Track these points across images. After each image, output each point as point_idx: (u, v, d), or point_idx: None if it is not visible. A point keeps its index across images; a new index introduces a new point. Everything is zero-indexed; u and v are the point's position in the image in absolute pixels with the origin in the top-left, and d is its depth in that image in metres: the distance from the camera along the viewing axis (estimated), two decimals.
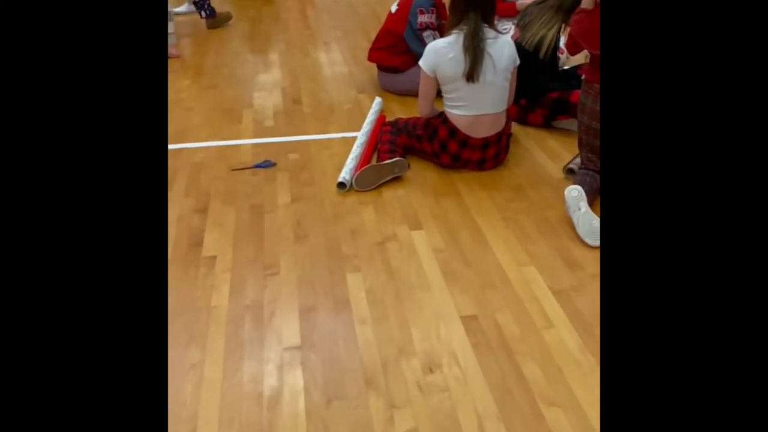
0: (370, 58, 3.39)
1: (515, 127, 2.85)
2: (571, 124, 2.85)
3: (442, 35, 3.12)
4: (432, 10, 3.05)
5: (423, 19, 3.04)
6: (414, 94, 3.19)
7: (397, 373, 1.56)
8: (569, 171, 2.47)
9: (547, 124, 2.91)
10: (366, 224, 2.19)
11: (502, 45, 2.33)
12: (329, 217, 2.24)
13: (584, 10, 2.01)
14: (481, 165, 2.52)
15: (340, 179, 2.40)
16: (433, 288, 1.86)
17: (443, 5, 3.14)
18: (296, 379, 1.56)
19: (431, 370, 1.57)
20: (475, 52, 2.27)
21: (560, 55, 3.05)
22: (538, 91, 2.81)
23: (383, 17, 4.88)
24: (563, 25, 2.77)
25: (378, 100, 3.12)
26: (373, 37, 4.22)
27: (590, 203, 2.14)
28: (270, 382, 1.55)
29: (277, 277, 1.92)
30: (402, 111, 3.13)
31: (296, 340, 1.68)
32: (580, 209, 2.07)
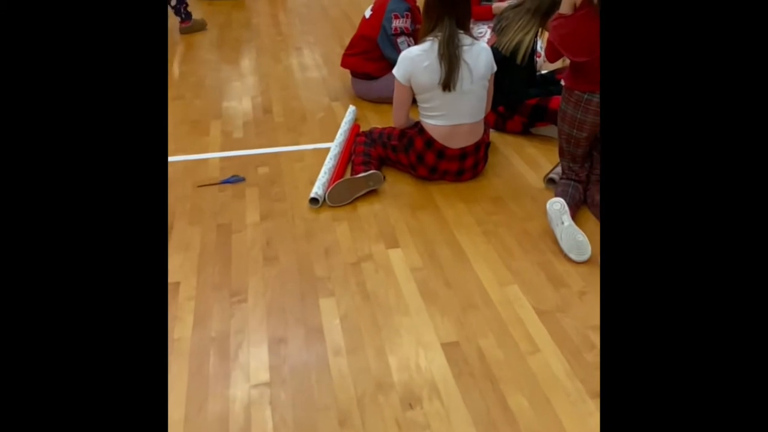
0: (344, 64, 3.27)
1: (493, 135, 2.76)
2: (551, 130, 2.78)
3: (417, 41, 3.04)
4: (407, 15, 2.95)
5: (397, 24, 2.94)
6: (389, 101, 3.09)
7: (374, 410, 1.45)
8: (550, 181, 2.39)
9: (525, 131, 2.83)
10: (340, 243, 2.08)
11: (478, 52, 2.24)
12: (301, 236, 2.12)
13: (562, 16, 1.93)
14: (459, 176, 2.42)
15: (312, 194, 2.28)
16: (411, 312, 1.76)
17: (418, 10, 3.04)
18: (265, 420, 1.44)
19: (411, 406, 1.46)
20: (450, 59, 2.17)
21: (537, 59, 2.98)
22: (516, 97, 2.73)
23: (356, 21, 4.77)
24: (540, 29, 2.70)
25: (352, 108, 3.01)
26: (347, 41, 4.11)
27: (573, 216, 2.06)
28: (236, 423, 1.43)
29: (245, 305, 1.80)
30: (377, 119, 3.03)
31: (265, 375, 1.56)
32: (563, 223, 1.98)
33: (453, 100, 2.25)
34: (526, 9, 2.64)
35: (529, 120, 2.76)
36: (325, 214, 2.24)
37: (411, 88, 2.30)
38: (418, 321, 1.72)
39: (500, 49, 2.65)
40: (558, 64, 2.98)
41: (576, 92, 2.05)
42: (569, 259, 1.95)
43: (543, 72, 3.06)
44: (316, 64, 3.85)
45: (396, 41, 2.96)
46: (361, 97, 3.27)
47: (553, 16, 1.98)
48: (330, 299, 1.82)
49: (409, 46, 2.98)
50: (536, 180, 2.45)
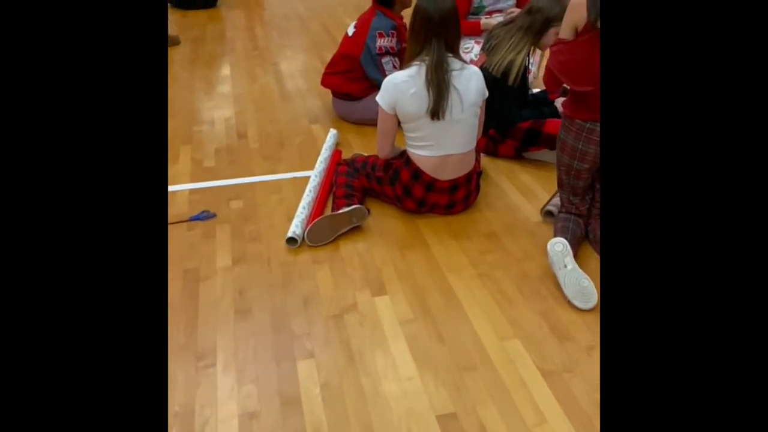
0: (324, 83, 3.08)
1: (484, 160, 2.59)
2: (544, 155, 2.61)
3: (402, 61, 2.85)
4: (392, 33, 2.76)
5: (382, 43, 2.75)
6: (372, 123, 2.89)
7: None
8: (547, 213, 2.21)
9: (518, 156, 2.65)
10: (321, 290, 1.87)
11: (469, 77, 2.06)
12: (277, 283, 1.91)
13: (563, 41, 1.75)
14: (449, 209, 2.24)
15: (290, 234, 2.08)
16: (401, 376, 1.56)
17: (405, 28, 2.85)
18: None
19: None
20: (439, 86, 1.99)
21: (528, 75, 2.81)
22: (508, 120, 2.56)
23: (337, 34, 4.60)
24: (533, 48, 2.53)
25: (333, 132, 2.82)
26: (327, 57, 3.90)
27: (575, 255, 1.88)
28: None
29: (213, 371, 1.59)
30: (359, 143, 2.83)
31: None
32: (566, 266, 1.80)
33: (442, 130, 2.06)
34: (517, 27, 2.47)
35: (522, 144, 2.59)
36: (305, 256, 2.04)
37: (396, 117, 2.11)
38: (409, 388, 1.53)
39: (490, 69, 2.47)
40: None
41: (577, 121, 1.87)
42: (574, 307, 1.77)
43: (535, 91, 2.89)
44: (294, 82, 3.64)
45: (380, 61, 2.77)
46: (342, 118, 3.07)
47: (553, 41, 1.80)
48: (309, 362, 1.61)
49: (394, 66, 2.80)
50: (532, 212, 2.28)
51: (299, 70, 3.82)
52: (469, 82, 2.06)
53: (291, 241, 2.08)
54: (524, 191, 2.42)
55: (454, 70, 2.02)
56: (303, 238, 2.08)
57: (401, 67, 2.80)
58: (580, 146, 1.90)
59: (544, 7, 2.41)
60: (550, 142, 2.53)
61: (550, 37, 2.46)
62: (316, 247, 2.08)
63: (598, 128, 1.84)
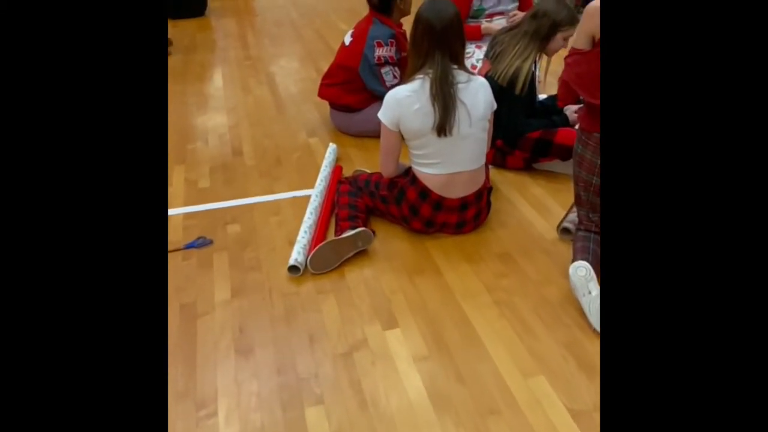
0: (321, 95, 2.95)
1: (493, 173, 2.47)
2: (555, 165, 2.50)
3: (402, 70, 2.73)
4: (391, 42, 2.64)
5: (381, 52, 2.62)
6: (373, 135, 2.79)
7: None
8: (564, 231, 2.09)
9: (527, 167, 2.53)
10: (327, 325, 1.75)
11: (476, 89, 1.93)
12: (280, 318, 1.78)
13: (578, 51, 1.63)
14: (459, 228, 2.11)
15: (291, 262, 1.95)
16: (419, 423, 1.43)
17: (404, 36, 2.73)
18: None
19: None
20: (445, 100, 1.86)
21: (538, 84, 2.69)
22: (517, 131, 2.43)
23: (331, 41, 4.47)
24: (539, 54, 2.41)
25: (332, 147, 2.69)
26: (323, 65, 3.78)
27: (597, 275, 1.76)
28: None
29: (215, 422, 1.46)
30: (360, 157, 2.71)
31: None
32: (590, 292, 1.68)
33: (450, 146, 1.94)
34: (523, 32, 2.35)
35: (532, 155, 2.47)
36: (308, 286, 1.91)
37: (400, 134, 1.98)
38: None
39: (496, 78, 2.35)
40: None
41: (595, 135, 1.75)
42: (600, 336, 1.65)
43: (542, 98, 2.77)
44: (289, 93, 3.52)
45: (380, 71, 2.65)
46: (341, 131, 2.95)
47: (561, 46, 1.68)
48: (318, 408, 1.48)
49: (394, 76, 2.68)
50: (547, 229, 2.15)
51: (294, 81, 3.69)
52: (476, 95, 1.93)
53: (293, 269, 1.96)
54: (537, 206, 2.29)
55: (460, 82, 1.90)
56: (306, 265, 1.96)
57: (402, 80, 2.71)
58: (599, 161, 1.78)
59: (551, 11, 2.29)
60: (561, 153, 2.41)
61: (557, 42, 2.34)
62: (319, 274, 1.95)
63: None
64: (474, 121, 1.93)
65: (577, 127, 2.52)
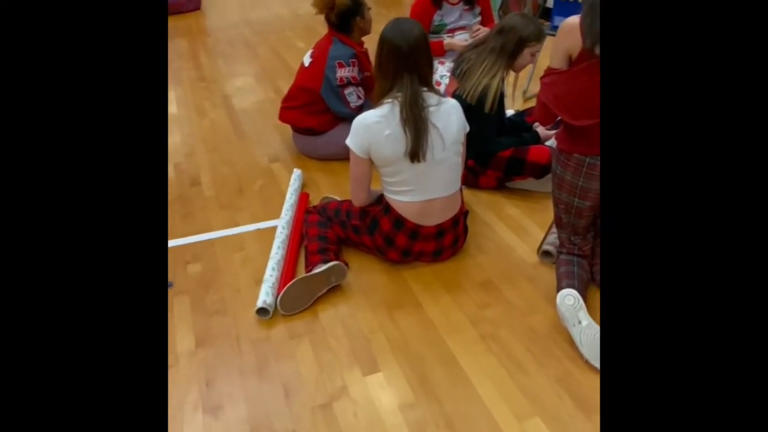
0: (282, 119, 2.81)
1: (466, 194, 2.38)
2: (529, 184, 2.43)
3: (366, 90, 2.63)
4: (353, 62, 2.53)
5: (343, 73, 2.51)
6: (339, 157, 2.67)
7: None
8: (545, 254, 2.01)
9: (500, 186, 2.46)
10: (303, 374, 1.61)
11: (448, 112, 1.84)
12: (251, 369, 1.64)
13: (555, 71, 1.55)
14: (437, 256, 2.01)
15: (260, 304, 1.80)
16: None
17: (366, 56, 2.63)
18: None
19: None
20: (417, 125, 1.76)
21: (506, 100, 2.63)
22: (488, 149, 2.35)
23: (288, 59, 4.34)
24: (507, 71, 2.34)
25: (297, 172, 2.56)
26: (281, 85, 3.66)
27: (584, 302, 1.68)
28: None
29: None
30: (327, 182, 2.58)
31: None
32: (580, 322, 1.60)
33: (423, 172, 1.84)
34: (489, 49, 2.27)
35: (505, 174, 2.39)
36: (279, 330, 1.77)
37: (371, 160, 1.87)
38: None
39: (464, 96, 2.27)
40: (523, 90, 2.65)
41: (576, 156, 1.68)
42: (594, 369, 1.57)
43: (509, 113, 2.71)
44: (247, 115, 3.36)
45: (343, 93, 2.54)
46: (305, 155, 2.82)
47: (545, 72, 1.60)
48: None
49: (358, 97, 2.57)
50: (527, 252, 2.07)
51: (252, 102, 3.54)
52: (448, 118, 1.84)
53: (262, 311, 1.81)
54: (514, 228, 2.22)
55: (431, 105, 1.80)
56: (275, 306, 1.82)
57: (366, 100, 2.61)
58: (580, 183, 1.70)
59: (517, 26, 2.23)
60: (535, 171, 2.35)
61: (524, 58, 2.29)
62: (291, 316, 1.81)
63: (600, 163, 1.65)
64: (447, 144, 1.83)
65: (554, 146, 2.48)
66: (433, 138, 1.80)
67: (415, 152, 1.78)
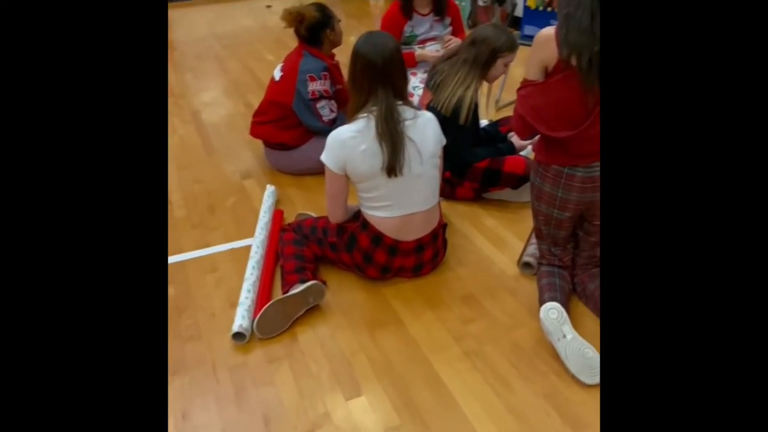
0: (254, 134, 2.75)
1: (444, 206, 2.35)
2: (505, 194, 2.42)
3: (338, 103, 2.59)
4: (324, 76, 2.49)
5: (314, 87, 2.47)
6: (313, 172, 2.63)
7: None
8: (525, 265, 1.99)
9: (477, 197, 2.44)
10: (283, 400, 1.55)
11: (424, 125, 1.81)
12: (228, 398, 1.57)
13: (531, 83, 1.54)
14: (417, 271, 1.97)
15: (235, 328, 1.74)
16: None
17: (337, 68, 2.59)
18: None
19: None
20: (393, 139, 1.73)
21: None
22: (464, 161, 2.34)
23: (259, 73, 4.27)
24: (480, 82, 2.33)
25: (270, 189, 2.50)
26: (252, 100, 3.60)
27: (567, 314, 1.66)
28: None
29: None
30: (302, 198, 2.53)
31: None
32: (565, 336, 1.58)
33: (401, 187, 1.80)
34: (462, 60, 2.26)
35: (481, 185, 2.38)
36: (257, 354, 1.71)
37: (347, 176, 1.83)
38: None
39: (439, 108, 2.24)
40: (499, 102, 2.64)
41: (554, 167, 1.66)
42: (580, 383, 1.54)
43: (483, 124, 2.70)
44: (218, 131, 3.29)
45: (315, 106, 2.49)
46: (278, 170, 2.76)
47: (521, 84, 1.58)
48: None
49: (331, 110, 2.53)
50: (507, 264, 2.05)
51: (222, 117, 3.47)
52: (425, 131, 1.81)
53: (238, 336, 1.74)
54: (493, 239, 2.19)
55: (406, 119, 1.77)
56: (252, 330, 1.75)
57: (339, 113, 2.57)
58: (559, 194, 1.69)
59: (490, 37, 2.22)
60: (511, 182, 2.34)
61: (498, 68, 2.28)
62: (269, 339, 1.75)
63: (579, 173, 1.63)
64: (425, 158, 1.80)
65: (529, 156, 2.48)
66: (410, 152, 1.76)
67: (392, 167, 1.75)
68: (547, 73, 1.52)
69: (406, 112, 1.78)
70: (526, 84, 1.56)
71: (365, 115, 1.75)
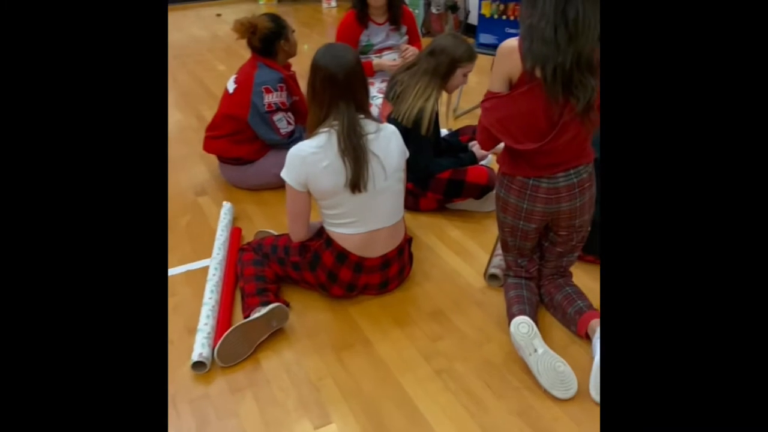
0: (208, 149, 2.65)
1: (407, 217, 2.30)
2: (469, 204, 2.41)
3: (296, 115, 2.52)
4: (280, 87, 2.41)
5: (271, 99, 2.39)
6: (271, 187, 2.55)
7: None
8: (492, 277, 1.97)
9: (440, 208, 2.42)
10: None
11: (388, 139, 1.77)
12: None
13: (496, 95, 1.52)
14: (383, 288, 1.92)
15: (195, 357, 1.64)
16: None
17: (294, 79, 2.52)
18: None
19: None
20: (356, 154, 1.68)
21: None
22: (427, 172, 2.31)
23: (210, 84, 4.14)
24: (440, 92, 2.31)
25: (227, 206, 2.40)
26: (204, 112, 3.49)
27: (537, 325, 1.64)
28: None
29: None
30: (260, 214, 2.44)
31: None
32: (536, 351, 1.56)
33: (366, 203, 1.75)
34: (422, 71, 2.23)
35: (444, 197, 2.35)
36: (219, 384, 1.62)
37: (309, 193, 1.76)
38: None
39: (400, 119, 2.21)
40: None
41: (519, 178, 1.64)
42: (553, 398, 1.52)
43: (443, 132, 2.68)
44: (169, 146, 3.15)
45: (272, 119, 2.41)
46: (234, 186, 2.66)
47: (485, 96, 1.56)
48: None
49: (289, 123, 2.46)
50: (474, 276, 2.03)
51: (173, 132, 3.33)
52: (388, 145, 1.77)
53: (198, 365, 1.65)
54: (458, 251, 2.17)
55: (369, 133, 1.72)
56: (213, 358, 1.66)
57: (295, 126, 2.50)
58: (525, 205, 1.67)
59: (449, 47, 2.21)
60: (474, 192, 2.33)
61: (457, 78, 2.26)
62: (231, 367, 1.66)
63: (544, 184, 1.62)
64: (389, 173, 1.76)
65: (489, 165, 2.47)
66: (373, 167, 1.71)
67: (356, 183, 1.69)
68: (512, 85, 1.50)
69: (368, 125, 1.73)
70: (490, 96, 1.53)
71: (326, 130, 1.69)
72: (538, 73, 1.43)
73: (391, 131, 1.80)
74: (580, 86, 1.42)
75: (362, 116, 1.73)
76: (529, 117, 1.50)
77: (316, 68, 1.68)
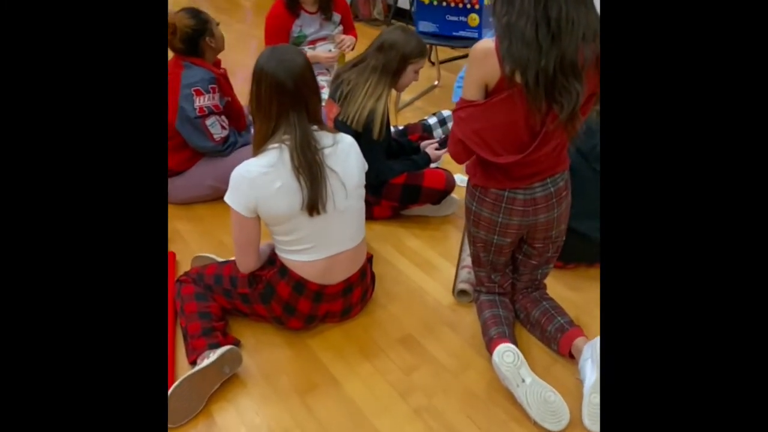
0: None
1: None
2: (426, 209, 2.26)
3: (229, 118, 2.25)
4: (213, 89, 2.13)
5: (202, 102, 2.11)
6: (203, 199, 2.29)
7: None
8: (461, 293, 1.84)
9: (395, 215, 2.25)
10: None
11: (346, 152, 1.57)
12: None
13: (471, 104, 1.35)
14: (345, 315, 1.74)
15: None
16: None
17: (226, 78, 2.24)
18: None
19: None
20: (312, 171, 1.46)
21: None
22: (380, 178, 2.12)
23: None
24: (389, 91, 2.12)
25: None
26: None
27: (513, 341, 1.52)
28: None
29: None
30: (195, 233, 2.17)
31: None
32: (524, 381, 1.43)
33: (325, 225, 1.55)
34: (371, 68, 2.03)
35: (400, 204, 2.19)
36: None
37: (258, 219, 1.53)
38: None
39: (348, 122, 2.01)
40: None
41: (493, 191, 1.50)
42: (543, 429, 1.41)
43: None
44: None
45: (204, 124, 2.13)
46: None
47: (457, 105, 1.39)
48: None
49: (223, 127, 2.20)
50: (441, 292, 1.88)
51: None
52: (347, 159, 1.57)
53: None
54: (420, 263, 2.01)
55: (325, 147, 1.51)
56: None
57: (229, 131, 2.23)
58: (500, 219, 1.54)
59: (398, 42, 2.02)
60: (432, 197, 2.17)
61: (409, 75, 2.09)
62: (181, 427, 1.43)
63: (520, 196, 1.49)
64: (350, 190, 1.56)
65: (466, 182, 2.32)
66: (332, 185, 1.51)
67: (314, 204, 1.49)
68: (488, 92, 1.34)
69: (324, 138, 1.52)
70: (465, 105, 1.36)
71: (276, 145, 1.46)
72: (518, 78, 1.28)
73: (349, 143, 1.59)
74: (564, 92, 1.28)
75: (315, 128, 1.52)
76: (509, 127, 1.35)
77: (260, 75, 1.44)
